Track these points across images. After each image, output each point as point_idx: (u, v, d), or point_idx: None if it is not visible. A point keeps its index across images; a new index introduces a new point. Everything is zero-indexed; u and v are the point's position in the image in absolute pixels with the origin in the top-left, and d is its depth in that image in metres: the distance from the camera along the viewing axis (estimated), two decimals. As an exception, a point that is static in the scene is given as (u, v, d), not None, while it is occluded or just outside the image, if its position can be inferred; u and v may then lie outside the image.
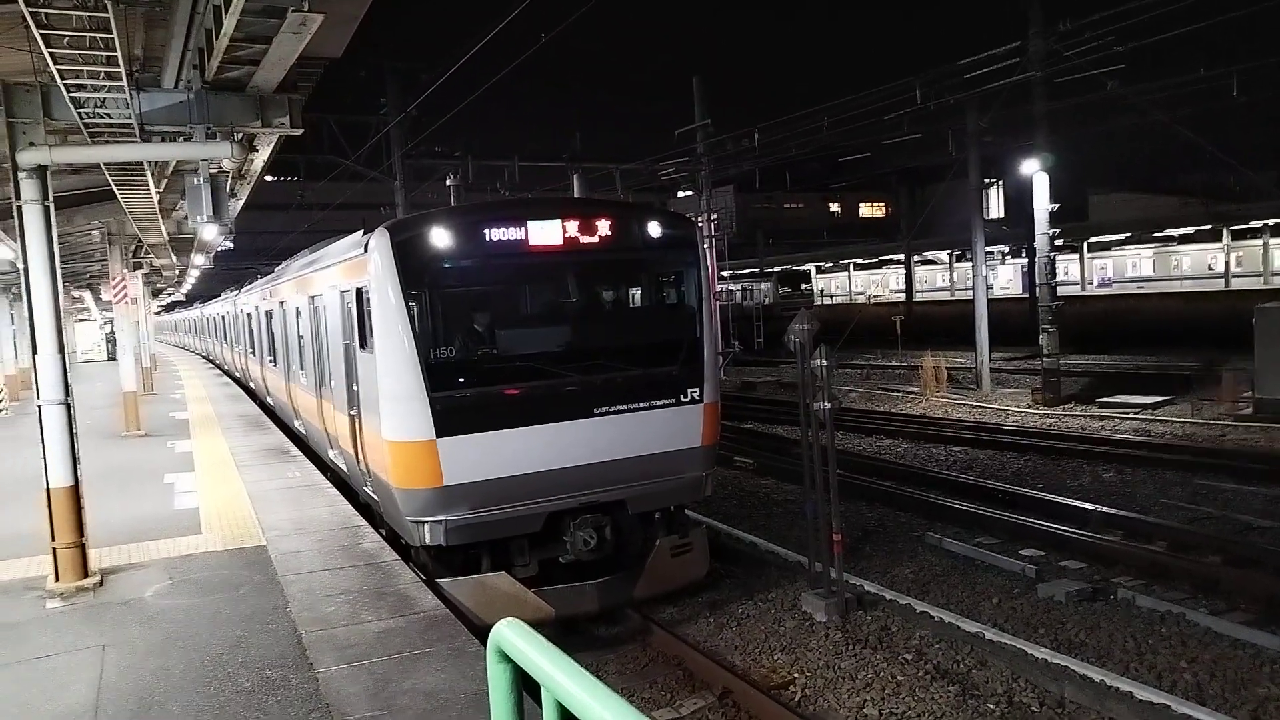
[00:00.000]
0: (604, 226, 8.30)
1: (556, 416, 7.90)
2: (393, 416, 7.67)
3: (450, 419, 7.53)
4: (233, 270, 38.98)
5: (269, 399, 18.28)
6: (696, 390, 8.51)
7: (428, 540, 7.69)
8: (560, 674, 2.17)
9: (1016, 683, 6.96)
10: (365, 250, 8.04)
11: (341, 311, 9.39)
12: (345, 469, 10.34)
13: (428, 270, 7.79)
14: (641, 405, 8.25)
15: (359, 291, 8.42)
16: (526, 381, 7.95)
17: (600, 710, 1.97)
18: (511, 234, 7.96)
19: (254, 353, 19.77)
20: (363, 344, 8.36)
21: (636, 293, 9.39)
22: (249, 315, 20.35)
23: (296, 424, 14.40)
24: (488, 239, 7.94)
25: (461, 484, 7.55)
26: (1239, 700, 6.52)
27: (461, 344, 7.97)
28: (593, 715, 1.98)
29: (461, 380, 7.75)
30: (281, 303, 14.39)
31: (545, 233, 8.05)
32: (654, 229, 8.64)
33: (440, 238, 7.73)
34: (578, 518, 8.02)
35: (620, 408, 8.14)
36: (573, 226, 8.16)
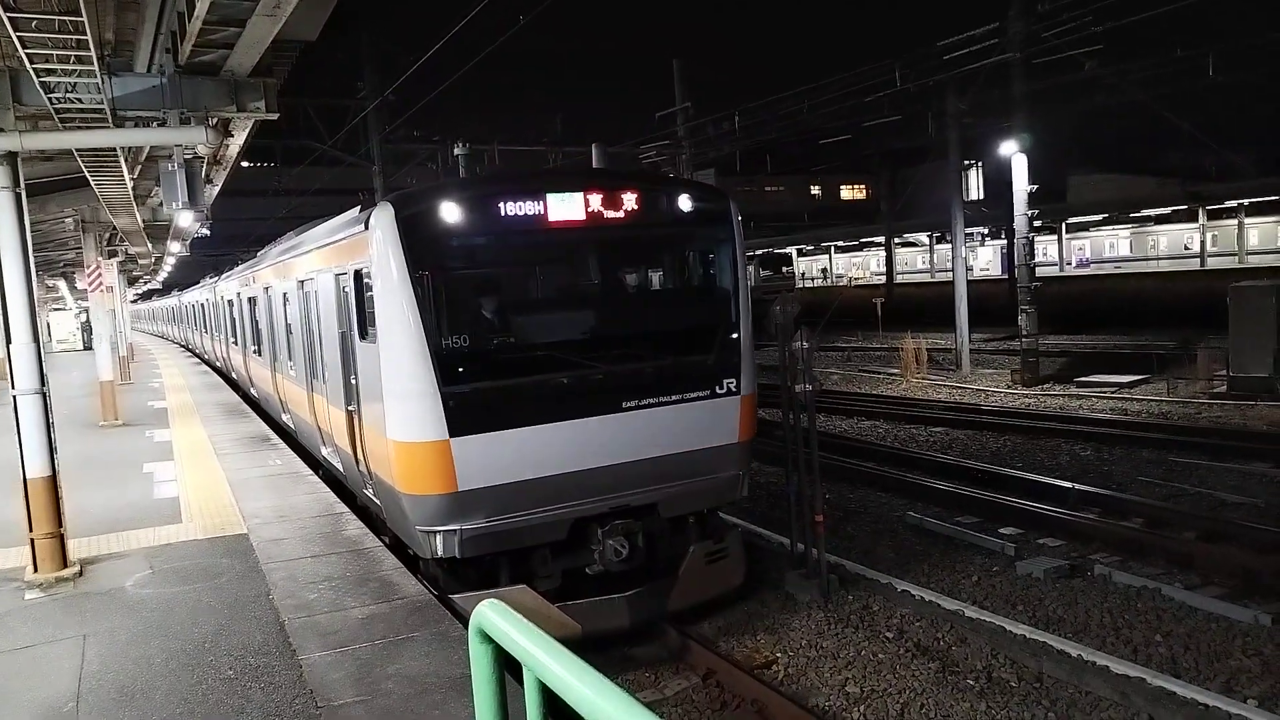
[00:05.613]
0: (631, 200, 7.44)
1: (582, 412, 7.14)
2: (399, 414, 6.89)
3: (465, 416, 6.74)
4: (210, 257, 38.67)
5: (253, 390, 17.77)
6: (733, 381, 7.75)
7: (440, 552, 6.94)
8: (542, 653, 2.17)
9: (995, 659, 7.06)
10: (366, 227, 7.18)
11: (337, 296, 8.62)
12: (341, 469, 9.54)
13: (437, 249, 6.97)
14: (674, 398, 7.48)
15: (358, 274, 7.66)
16: (549, 373, 7.16)
17: (582, 688, 1.96)
18: (530, 208, 7.11)
19: (236, 342, 19.16)
20: (363, 333, 7.62)
21: (666, 273, 8.65)
22: (230, 302, 19.68)
23: (284, 418, 13.72)
24: (504, 214, 7.10)
25: (478, 489, 6.80)
26: (1212, 672, 6.64)
27: (476, 332, 7.14)
28: (574, 694, 1.97)
29: (477, 372, 6.92)
30: (266, 288, 13.54)
31: (567, 207, 7.20)
32: (685, 202, 7.79)
33: (451, 212, 6.91)
34: (606, 524, 7.28)
35: (652, 401, 7.38)
36: (597, 200, 7.28)
